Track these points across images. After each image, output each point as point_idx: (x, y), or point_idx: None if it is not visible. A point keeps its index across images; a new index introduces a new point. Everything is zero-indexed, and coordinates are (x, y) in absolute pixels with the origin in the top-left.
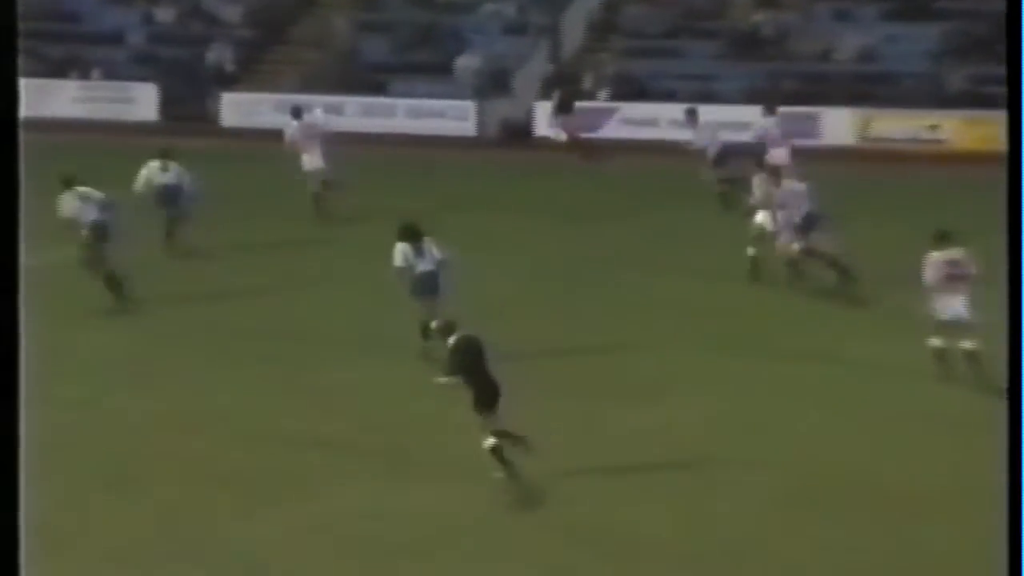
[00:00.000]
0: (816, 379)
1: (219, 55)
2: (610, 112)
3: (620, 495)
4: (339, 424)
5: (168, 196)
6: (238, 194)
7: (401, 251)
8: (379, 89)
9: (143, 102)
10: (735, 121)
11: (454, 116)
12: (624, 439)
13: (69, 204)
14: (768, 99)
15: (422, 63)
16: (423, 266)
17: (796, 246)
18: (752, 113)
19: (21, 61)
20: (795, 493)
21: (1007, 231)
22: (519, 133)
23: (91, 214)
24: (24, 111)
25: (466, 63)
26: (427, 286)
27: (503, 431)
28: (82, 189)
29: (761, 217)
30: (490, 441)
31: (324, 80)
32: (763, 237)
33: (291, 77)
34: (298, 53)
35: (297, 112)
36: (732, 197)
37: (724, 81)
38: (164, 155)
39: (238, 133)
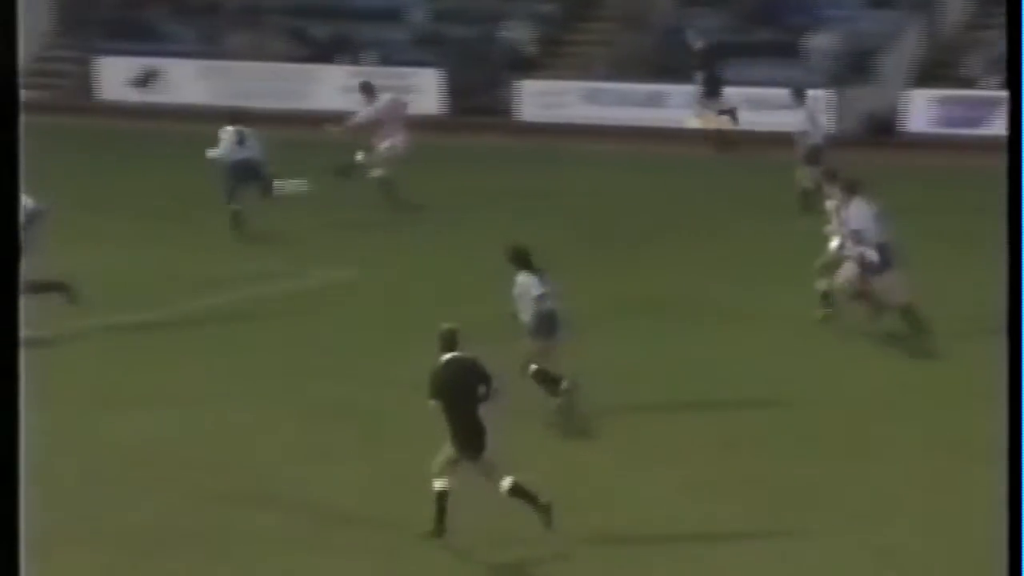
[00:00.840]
0: None
1: (516, 35)
2: (1001, 104)
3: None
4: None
5: (246, 172)
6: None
7: (525, 282)
8: None
9: (424, 91)
10: None
11: None
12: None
13: None
14: None
15: (763, 44)
16: (549, 302)
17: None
18: None
19: (281, 42)
20: None
21: (1007, 223)
22: (884, 129)
23: None
24: (282, 102)
25: (819, 43)
26: (551, 325)
27: (518, 488)
28: None
29: (837, 243)
30: (441, 484)
31: (642, 65)
32: (837, 268)
33: (602, 61)
34: (611, 32)
35: (369, 88)
36: (813, 199)
37: None
38: (236, 119)
39: (538, 128)
